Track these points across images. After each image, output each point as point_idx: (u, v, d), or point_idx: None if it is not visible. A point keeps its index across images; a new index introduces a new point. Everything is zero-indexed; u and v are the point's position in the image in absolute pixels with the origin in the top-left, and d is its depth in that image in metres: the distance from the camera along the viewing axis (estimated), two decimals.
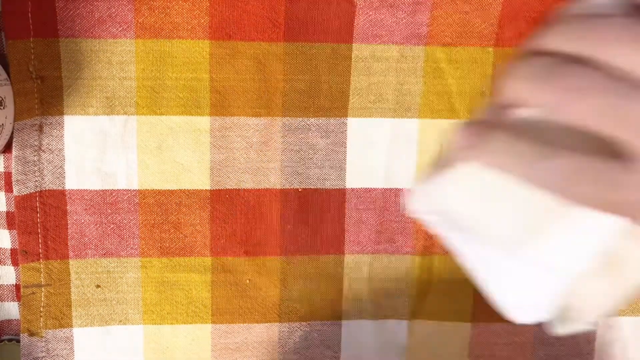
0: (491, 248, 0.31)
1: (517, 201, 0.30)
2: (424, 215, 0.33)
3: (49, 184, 0.40)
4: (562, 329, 0.35)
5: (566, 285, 0.31)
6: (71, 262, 0.41)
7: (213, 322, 0.43)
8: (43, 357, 0.42)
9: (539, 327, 0.45)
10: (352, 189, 0.43)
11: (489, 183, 0.30)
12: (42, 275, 0.41)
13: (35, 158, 0.40)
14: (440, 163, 0.32)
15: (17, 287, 0.42)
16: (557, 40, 0.29)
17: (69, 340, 0.42)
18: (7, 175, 0.41)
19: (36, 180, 0.40)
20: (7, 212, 0.41)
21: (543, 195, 0.29)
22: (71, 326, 0.42)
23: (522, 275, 0.31)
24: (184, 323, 0.43)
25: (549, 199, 0.29)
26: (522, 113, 0.30)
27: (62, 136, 0.40)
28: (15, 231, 0.41)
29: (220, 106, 0.41)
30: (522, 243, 0.30)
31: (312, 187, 0.42)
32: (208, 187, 0.42)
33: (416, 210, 0.33)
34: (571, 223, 0.30)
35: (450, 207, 0.32)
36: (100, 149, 0.40)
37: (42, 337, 0.42)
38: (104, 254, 0.41)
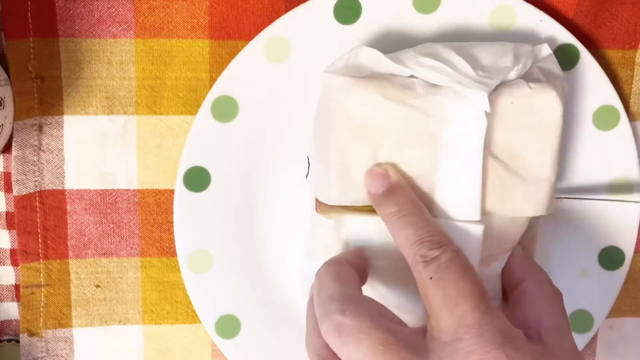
0: None
1: None
2: None
3: (49, 183, 0.40)
4: None
5: None
6: (71, 262, 0.41)
7: None
8: (43, 357, 0.42)
9: None
10: None
11: None
12: (41, 275, 0.41)
13: (35, 158, 0.40)
14: None
15: (17, 287, 0.42)
16: None
17: (68, 340, 0.42)
18: (7, 176, 0.41)
19: (36, 180, 0.40)
20: (7, 212, 0.41)
21: None
22: (71, 326, 0.42)
23: None
24: (184, 323, 0.43)
25: None
26: None
27: (61, 136, 0.40)
28: (15, 231, 0.41)
29: None
30: None
31: None
32: None
33: None
34: None
35: None
36: (100, 148, 0.40)
37: (41, 337, 0.42)
38: (104, 254, 0.41)
